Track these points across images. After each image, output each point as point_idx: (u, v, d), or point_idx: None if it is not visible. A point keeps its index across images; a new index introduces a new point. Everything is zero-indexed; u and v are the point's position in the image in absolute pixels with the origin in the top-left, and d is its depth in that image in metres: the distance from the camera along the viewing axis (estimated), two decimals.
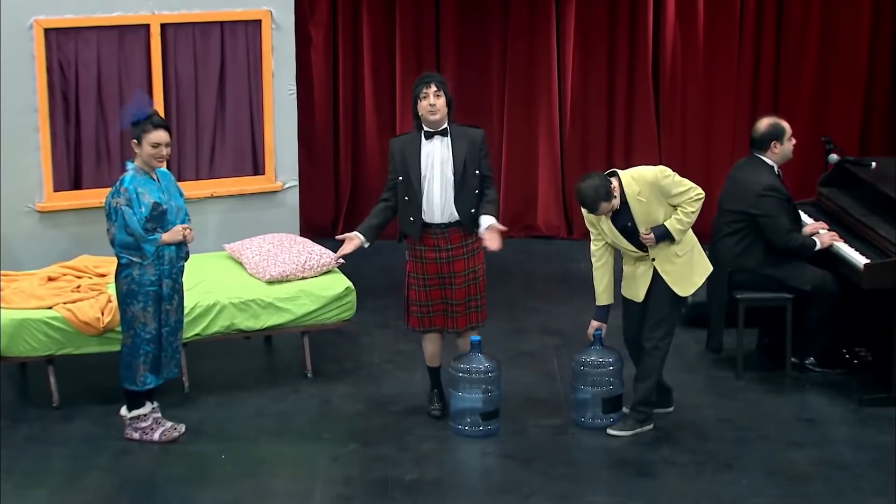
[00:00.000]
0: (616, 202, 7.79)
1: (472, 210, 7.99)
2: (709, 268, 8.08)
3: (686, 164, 11.30)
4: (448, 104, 7.97)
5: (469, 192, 7.98)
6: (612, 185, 7.76)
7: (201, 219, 9.42)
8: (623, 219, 7.84)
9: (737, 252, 8.65)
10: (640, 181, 7.81)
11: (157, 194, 7.71)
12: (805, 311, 8.68)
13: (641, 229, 7.83)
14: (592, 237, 8.03)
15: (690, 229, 7.93)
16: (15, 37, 9.04)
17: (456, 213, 7.98)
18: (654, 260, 7.91)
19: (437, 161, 7.97)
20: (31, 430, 8.09)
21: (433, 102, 7.90)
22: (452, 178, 7.95)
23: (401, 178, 8.00)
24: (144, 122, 7.67)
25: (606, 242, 7.97)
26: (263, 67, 9.68)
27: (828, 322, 8.69)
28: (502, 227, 7.99)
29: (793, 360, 8.80)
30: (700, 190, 7.85)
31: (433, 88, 7.91)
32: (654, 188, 7.79)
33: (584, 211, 7.92)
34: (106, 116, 9.37)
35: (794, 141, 8.74)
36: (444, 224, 8.01)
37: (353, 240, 8.07)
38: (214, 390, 8.63)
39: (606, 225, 7.89)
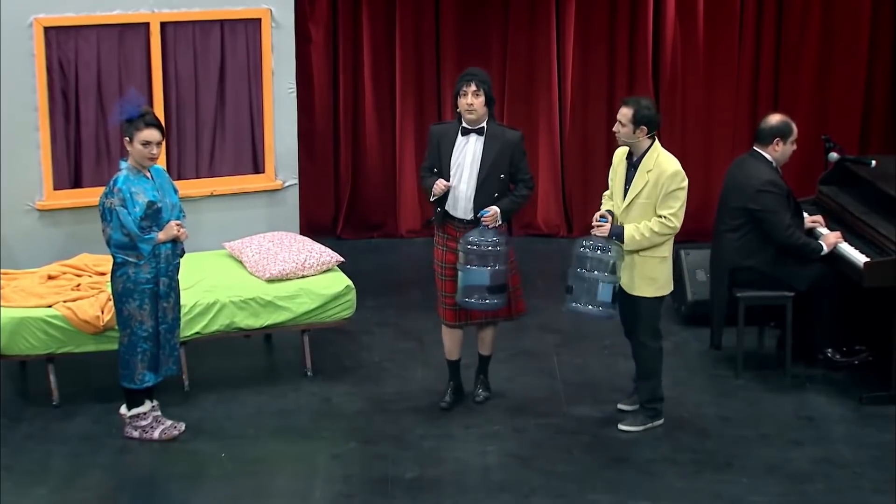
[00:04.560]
0: (636, 140, 7.81)
1: None
2: (666, 289, 7.99)
3: (686, 164, 11.08)
4: (489, 102, 7.97)
5: (489, 194, 7.99)
6: (646, 133, 7.79)
7: (201, 217, 9.43)
8: (628, 177, 7.88)
9: (737, 248, 8.64)
10: (659, 162, 7.84)
11: (151, 192, 7.71)
12: (810, 309, 8.66)
13: (626, 201, 7.83)
14: (609, 181, 8.08)
15: (671, 246, 7.93)
16: (15, 35, 9.04)
17: (473, 213, 8.01)
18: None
19: (468, 158, 8.01)
20: (30, 429, 8.09)
21: (471, 102, 7.93)
22: (476, 177, 7.97)
23: (435, 169, 8.04)
24: (137, 119, 7.66)
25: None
26: (263, 66, 9.68)
27: (835, 314, 8.66)
28: (490, 216, 7.92)
29: (819, 355, 8.79)
30: (677, 222, 7.81)
31: (472, 87, 7.92)
32: (662, 178, 7.80)
33: (616, 155, 8.00)
34: (106, 115, 9.37)
35: (795, 147, 8.73)
36: (466, 220, 8.03)
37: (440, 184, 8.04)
38: (214, 389, 8.63)
39: (622, 167, 7.93)
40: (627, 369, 8.57)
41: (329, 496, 7.39)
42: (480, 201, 7.99)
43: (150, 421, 7.96)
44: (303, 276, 8.85)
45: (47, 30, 9.12)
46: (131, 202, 7.64)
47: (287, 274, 8.80)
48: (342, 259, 9.08)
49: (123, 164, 7.75)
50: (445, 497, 7.35)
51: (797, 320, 8.77)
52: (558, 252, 11.38)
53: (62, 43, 9.21)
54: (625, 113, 7.82)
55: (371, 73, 11.52)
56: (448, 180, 8.03)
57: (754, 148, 8.73)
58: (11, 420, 8.19)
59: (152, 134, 7.65)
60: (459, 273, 7.97)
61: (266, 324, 8.70)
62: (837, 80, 11.44)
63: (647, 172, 7.83)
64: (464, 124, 8.03)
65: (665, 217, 7.79)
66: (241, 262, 9.07)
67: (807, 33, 11.38)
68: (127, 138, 7.67)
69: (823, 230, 8.82)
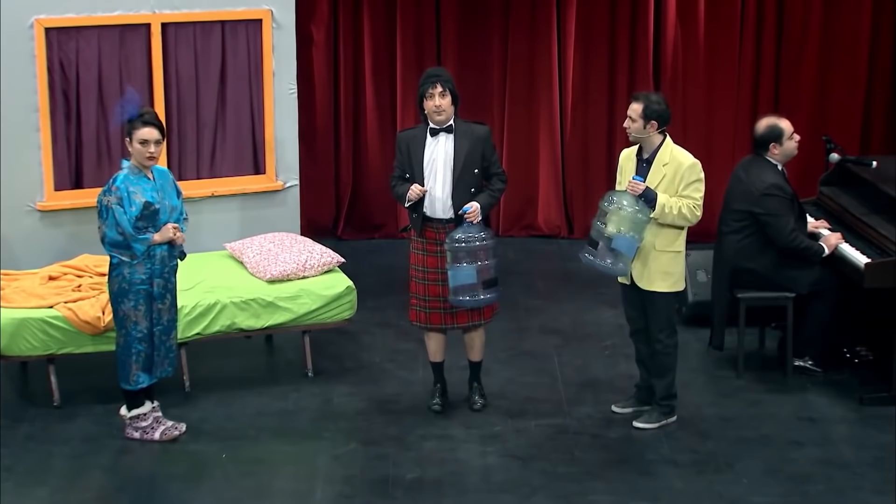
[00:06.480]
0: (647, 135, 7.82)
1: None
2: (680, 284, 8.02)
3: None
4: (454, 101, 7.98)
5: (466, 190, 7.99)
6: (657, 128, 7.80)
7: (202, 218, 9.43)
8: (641, 174, 7.87)
9: (739, 249, 8.65)
10: (675, 156, 7.86)
11: (149, 193, 7.70)
12: (805, 310, 8.68)
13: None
14: (617, 183, 8.07)
15: (684, 241, 7.93)
16: (16, 36, 9.04)
17: (453, 210, 8.01)
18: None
19: (440, 157, 8.00)
20: (31, 429, 8.10)
21: (439, 104, 7.93)
22: (451, 175, 7.97)
23: (407, 175, 8.03)
24: (136, 119, 7.68)
25: None
26: (264, 66, 9.68)
27: (828, 321, 8.68)
28: (472, 211, 7.91)
29: (796, 361, 8.80)
30: (700, 213, 7.85)
31: (439, 89, 7.92)
32: (679, 172, 7.81)
33: (622, 155, 8.02)
34: (107, 116, 9.37)
35: (797, 138, 8.72)
36: (445, 220, 8.03)
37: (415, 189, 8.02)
38: (215, 389, 8.63)
39: (630, 166, 7.94)
40: (628, 370, 8.56)
41: (330, 497, 7.39)
42: (458, 198, 7.99)
43: (150, 422, 7.96)
44: (303, 277, 8.85)
45: (48, 31, 9.12)
46: (128, 201, 7.64)
47: (288, 275, 8.80)
48: (343, 260, 9.08)
49: (125, 164, 7.76)
50: (446, 498, 7.35)
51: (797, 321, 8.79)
52: (558, 252, 11.39)
53: (63, 44, 9.21)
54: (635, 108, 7.83)
55: (372, 74, 11.52)
56: (422, 183, 8.00)
57: (758, 152, 8.72)
58: (12, 421, 8.19)
59: (150, 132, 7.65)
60: (449, 272, 7.94)
61: (267, 324, 8.71)
62: (838, 81, 11.44)
63: (664, 166, 7.83)
64: (431, 125, 8.03)
65: (690, 204, 7.81)
66: (241, 263, 9.07)
67: (808, 34, 11.37)
68: (128, 139, 7.68)
69: (826, 233, 8.82)
